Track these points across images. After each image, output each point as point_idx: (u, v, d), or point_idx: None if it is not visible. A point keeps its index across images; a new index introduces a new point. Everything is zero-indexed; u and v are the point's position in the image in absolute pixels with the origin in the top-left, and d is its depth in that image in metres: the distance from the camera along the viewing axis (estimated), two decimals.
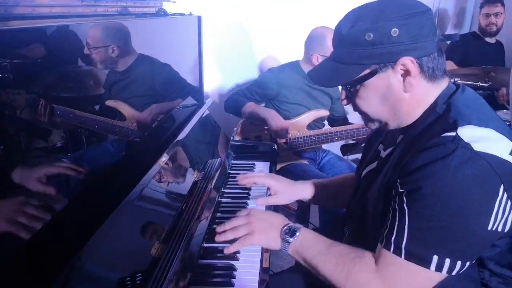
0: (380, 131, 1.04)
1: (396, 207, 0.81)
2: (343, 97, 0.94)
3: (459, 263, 0.77)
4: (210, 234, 1.17)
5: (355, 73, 0.86)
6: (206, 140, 1.63)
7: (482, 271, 0.87)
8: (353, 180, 1.20)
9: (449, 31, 3.73)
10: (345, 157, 2.33)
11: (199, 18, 1.67)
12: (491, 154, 0.75)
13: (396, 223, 0.80)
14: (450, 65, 3.07)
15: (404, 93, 0.85)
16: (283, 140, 2.09)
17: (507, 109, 2.81)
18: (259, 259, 1.04)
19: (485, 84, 2.58)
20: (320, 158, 2.27)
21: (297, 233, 0.94)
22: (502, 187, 0.75)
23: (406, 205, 0.79)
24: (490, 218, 0.75)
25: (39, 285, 0.67)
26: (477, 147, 0.75)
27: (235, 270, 1.00)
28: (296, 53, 2.27)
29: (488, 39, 3.15)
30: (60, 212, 0.79)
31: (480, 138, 0.77)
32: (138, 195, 0.96)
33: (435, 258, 0.77)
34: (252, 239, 0.97)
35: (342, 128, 2.07)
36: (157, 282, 0.84)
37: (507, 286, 0.88)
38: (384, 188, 0.89)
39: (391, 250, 0.80)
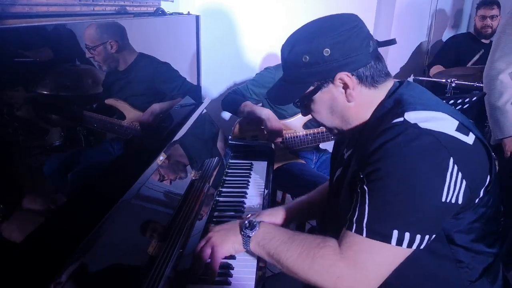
0: (343, 138, 1.10)
1: (358, 190, 0.85)
2: (300, 111, 1.05)
3: (418, 236, 0.80)
4: (207, 233, 1.17)
5: (302, 91, 0.95)
6: (204, 139, 1.64)
7: (454, 248, 0.89)
8: (326, 191, 1.23)
9: (446, 32, 3.74)
10: None
11: (197, 17, 1.67)
12: (438, 131, 0.80)
13: (358, 204, 0.84)
14: (439, 69, 3.08)
15: (348, 102, 0.93)
16: (280, 140, 2.09)
17: None
18: (256, 257, 1.04)
19: (481, 85, 2.58)
20: (317, 157, 2.27)
21: (257, 226, 0.96)
22: (451, 160, 0.79)
23: (366, 186, 0.83)
24: (443, 189, 0.79)
25: (36, 283, 0.67)
26: (423, 125, 0.81)
27: (232, 269, 1.01)
28: None
29: (483, 40, 3.16)
30: (57, 210, 0.79)
31: (425, 118, 0.82)
32: (136, 193, 0.96)
33: (395, 232, 0.79)
34: (216, 252, 0.97)
35: None
36: (154, 280, 0.84)
37: (481, 261, 0.92)
38: (350, 186, 0.93)
39: (353, 230, 0.83)
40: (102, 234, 0.81)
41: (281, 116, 2.09)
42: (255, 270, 1.01)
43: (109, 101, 1.05)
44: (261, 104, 2.22)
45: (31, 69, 0.74)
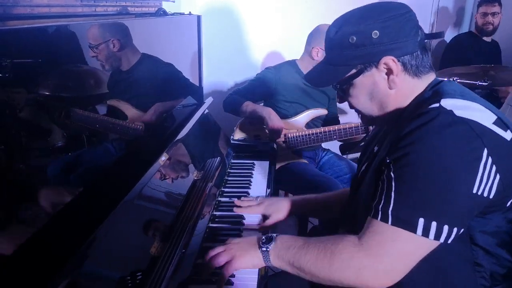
0: (375, 135, 1.08)
1: (384, 177, 0.83)
2: (338, 96, 1.01)
3: (446, 227, 0.76)
4: (210, 233, 1.17)
5: (343, 73, 0.93)
6: (205, 139, 1.64)
7: (475, 249, 0.85)
8: (344, 195, 1.22)
9: (449, 30, 3.73)
10: (344, 156, 2.33)
11: (199, 17, 1.67)
12: (473, 120, 0.77)
13: (384, 191, 0.82)
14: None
15: (390, 89, 0.91)
16: (282, 139, 2.09)
17: None
18: None
19: (484, 83, 2.57)
20: (319, 157, 2.27)
21: (273, 239, 0.94)
22: (485, 151, 0.76)
23: (392, 173, 0.81)
24: (475, 180, 0.76)
25: (38, 284, 0.67)
26: (459, 113, 0.78)
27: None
28: (294, 52, 2.27)
29: (485, 38, 3.16)
30: (60, 211, 0.79)
31: (462, 106, 0.80)
32: (138, 193, 0.96)
33: (421, 221, 0.76)
34: (234, 264, 0.95)
35: (341, 126, 2.07)
36: (156, 281, 0.84)
37: (501, 268, 0.87)
38: (375, 172, 0.90)
39: (379, 218, 0.80)
40: (105, 235, 0.81)
41: (283, 116, 2.09)
42: (257, 270, 1.01)
43: (112, 102, 1.05)
44: (262, 104, 2.22)
45: (33, 70, 0.75)
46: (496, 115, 0.82)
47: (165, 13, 1.50)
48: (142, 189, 0.98)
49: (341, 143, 2.28)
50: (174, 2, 1.67)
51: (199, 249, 1.07)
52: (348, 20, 0.90)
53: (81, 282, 0.72)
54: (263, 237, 0.96)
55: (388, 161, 0.82)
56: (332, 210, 1.27)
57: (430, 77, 0.93)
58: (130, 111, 1.13)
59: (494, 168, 0.77)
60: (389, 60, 0.87)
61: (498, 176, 0.78)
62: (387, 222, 0.79)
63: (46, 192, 0.79)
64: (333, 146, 2.37)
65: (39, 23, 0.83)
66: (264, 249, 0.94)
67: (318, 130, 2.10)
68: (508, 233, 0.86)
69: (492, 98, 3.06)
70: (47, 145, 0.81)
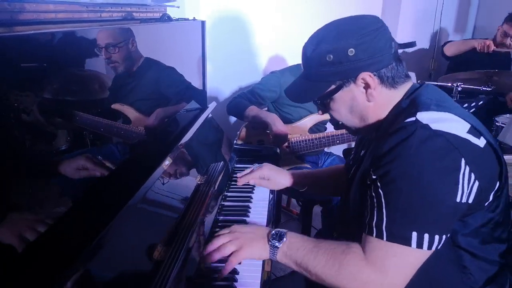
0: (361, 139, 1.14)
1: (373, 193, 0.86)
2: (318, 109, 1.07)
3: (436, 237, 0.81)
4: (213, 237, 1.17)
5: (323, 89, 0.97)
6: (209, 144, 1.64)
7: (460, 252, 0.90)
8: (342, 171, 1.31)
9: (451, 37, 3.73)
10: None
11: (203, 23, 1.69)
12: (449, 132, 0.81)
13: (375, 208, 0.85)
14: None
15: (368, 102, 0.95)
16: (285, 144, 2.09)
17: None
18: (261, 262, 1.04)
19: (488, 89, 2.57)
20: (322, 161, 2.27)
21: (284, 237, 0.96)
22: (463, 161, 0.80)
23: (381, 190, 0.84)
24: (457, 190, 0.80)
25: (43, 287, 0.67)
26: (435, 126, 0.82)
27: (237, 273, 1.01)
28: (298, 57, 2.28)
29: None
30: (64, 214, 0.80)
31: (437, 119, 0.83)
32: (142, 197, 0.97)
33: (414, 234, 0.80)
34: (242, 253, 0.96)
35: (344, 131, 2.08)
36: (159, 285, 0.84)
37: (487, 270, 0.92)
38: (361, 180, 0.94)
39: (374, 235, 0.84)
40: (109, 238, 0.81)
41: (287, 121, 2.09)
42: (260, 274, 1.01)
43: (116, 106, 1.06)
44: (266, 108, 2.23)
45: (38, 75, 0.75)
46: (470, 123, 0.86)
47: (169, 19, 1.51)
48: (146, 193, 0.99)
49: (344, 147, 2.28)
50: (178, 7, 1.68)
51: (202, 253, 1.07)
52: (324, 38, 0.94)
53: (85, 285, 0.72)
54: (273, 232, 0.98)
55: (374, 177, 0.86)
56: (326, 186, 1.39)
57: (407, 86, 0.97)
58: (134, 115, 1.14)
59: (472, 176, 0.81)
60: (366, 76, 0.91)
61: (477, 183, 0.82)
62: (382, 238, 0.83)
63: (50, 196, 0.80)
64: (336, 149, 2.37)
65: (45, 29, 0.84)
66: (274, 245, 0.96)
67: (321, 135, 2.10)
68: (488, 233, 0.91)
69: (496, 105, 3.04)
70: (51, 148, 0.82)
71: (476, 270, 0.91)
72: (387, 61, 0.91)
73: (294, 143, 2.10)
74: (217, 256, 0.97)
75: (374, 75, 0.91)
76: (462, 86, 2.58)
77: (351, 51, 0.89)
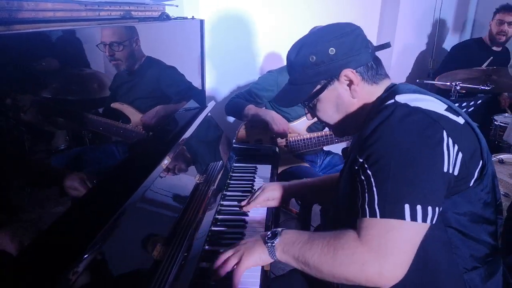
0: (345, 134, 1.16)
1: (362, 177, 0.87)
2: (306, 112, 1.10)
3: (430, 208, 0.81)
4: (212, 237, 1.17)
5: (309, 91, 1.01)
6: (208, 143, 1.64)
7: (450, 231, 0.91)
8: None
9: (449, 38, 3.73)
10: None
11: (202, 21, 1.68)
12: (427, 109, 0.85)
13: (366, 190, 0.85)
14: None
15: (353, 99, 1.00)
16: (284, 143, 2.09)
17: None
18: None
19: (486, 88, 2.57)
20: (321, 160, 2.27)
21: (278, 234, 0.96)
22: (445, 132, 0.83)
23: (368, 170, 0.85)
24: (443, 160, 0.82)
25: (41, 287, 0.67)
26: (413, 104, 0.86)
27: None
28: None
29: (494, 48, 3.08)
30: (63, 214, 0.80)
31: (415, 99, 0.88)
32: (141, 197, 0.96)
33: (407, 207, 0.80)
34: (244, 263, 0.97)
35: None
36: (158, 284, 0.84)
37: (479, 250, 0.93)
38: (349, 172, 0.95)
39: (367, 215, 0.83)
40: (108, 238, 0.81)
41: (285, 119, 2.09)
42: (260, 273, 1.01)
43: (115, 105, 1.06)
44: (264, 107, 2.23)
45: (37, 74, 0.75)
46: (447, 104, 0.90)
47: (168, 17, 1.51)
48: (145, 192, 0.99)
49: (343, 146, 2.28)
50: (177, 6, 1.68)
51: (202, 252, 1.07)
52: (306, 43, 1.00)
53: (84, 285, 0.72)
54: (269, 233, 0.98)
55: (361, 160, 0.87)
56: (323, 194, 1.39)
57: (387, 82, 1.02)
58: (133, 114, 1.14)
59: (456, 147, 0.84)
60: (348, 72, 0.96)
61: (460, 154, 0.85)
62: (375, 216, 0.82)
63: (48, 195, 0.79)
64: (335, 148, 2.37)
65: (44, 27, 0.84)
66: (270, 244, 0.96)
67: (319, 134, 2.10)
68: (477, 212, 0.92)
69: (495, 104, 3.05)
70: (50, 148, 0.82)
71: (466, 250, 0.92)
72: (366, 59, 0.97)
73: (293, 142, 2.10)
74: (223, 271, 0.97)
75: (356, 71, 0.97)
76: (461, 85, 2.59)
77: (332, 50, 0.95)
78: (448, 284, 0.92)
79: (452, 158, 0.83)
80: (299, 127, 2.15)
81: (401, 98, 0.88)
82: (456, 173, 0.85)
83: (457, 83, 2.59)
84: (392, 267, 0.81)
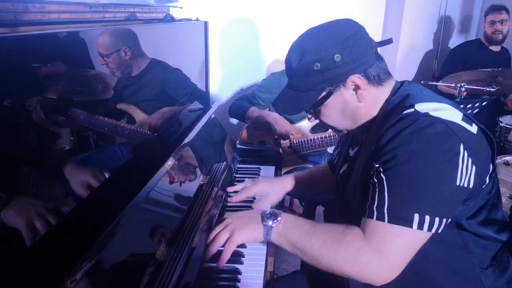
0: (348, 136, 1.16)
1: (375, 179, 0.87)
2: (309, 116, 1.08)
3: (437, 219, 0.83)
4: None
5: (314, 98, 0.98)
6: (212, 144, 1.64)
7: (464, 234, 0.92)
8: (326, 169, 1.34)
9: (454, 38, 3.72)
10: None
11: (206, 23, 1.69)
12: (448, 119, 0.85)
13: (377, 192, 0.86)
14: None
15: (359, 103, 0.98)
16: (288, 144, 2.09)
17: None
18: (264, 263, 1.04)
19: (492, 89, 2.55)
20: (325, 161, 2.27)
21: (279, 216, 0.97)
22: (462, 146, 0.83)
23: (383, 174, 0.86)
24: (457, 173, 0.83)
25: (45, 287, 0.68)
26: (434, 114, 0.85)
27: (240, 274, 1.01)
28: None
29: (493, 47, 3.09)
30: (67, 214, 0.80)
31: (435, 108, 0.87)
32: (145, 198, 0.97)
33: (416, 216, 0.82)
34: (235, 238, 0.97)
35: None
36: (162, 285, 0.85)
37: (491, 248, 0.95)
38: (360, 181, 0.95)
39: (374, 217, 0.85)
40: (112, 238, 0.81)
41: (289, 121, 2.09)
42: (263, 275, 1.01)
43: (121, 106, 1.07)
44: (267, 109, 2.23)
45: (42, 75, 0.76)
46: (462, 112, 0.90)
47: (172, 19, 1.52)
48: (149, 193, 0.99)
49: None
50: (181, 8, 1.68)
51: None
52: (307, 49, 0.94)
53: (88, 285, 0.73)
54: (267, 212, 0.98)
55: (377, 165, 0.87)
56: (317, 186, 1.41)
57: (391, 82, 1.00)
58: (138, 115, 1.15)
59: (470, 160, 0.84)
60: (355, 78, 0.94)
61: (474, 167, 0.85)
62: (383, 220, 0.84)
63: (53, 196, 0.80)
64: None
65: (49, 29, 0.84)
66: (267, 224, 0.96)
67: (323, 135, 2.10)
68: (486, 214, 0.94)
69: (500, 105, 3.03)
70: (55, 148, 0.83)
71: (481, 250, 0.94)
72: (371, 61, 0.95)
73: (296, 143, 2.10)
74: (214, 247, 0.98)
75: (362, 75, 0.94)
76: (465, 86, 2.57)
77: (337, 57, 0.91)
78: (466, 285, 0.94)
79: (466, 171, 0.84)
80: (303, 128, 2.15)
81: (421, 108, 0.87)
82: (470, 186, 0.86)
83: (461, 85, 2.57)
84: (391, 270, 0.84)
